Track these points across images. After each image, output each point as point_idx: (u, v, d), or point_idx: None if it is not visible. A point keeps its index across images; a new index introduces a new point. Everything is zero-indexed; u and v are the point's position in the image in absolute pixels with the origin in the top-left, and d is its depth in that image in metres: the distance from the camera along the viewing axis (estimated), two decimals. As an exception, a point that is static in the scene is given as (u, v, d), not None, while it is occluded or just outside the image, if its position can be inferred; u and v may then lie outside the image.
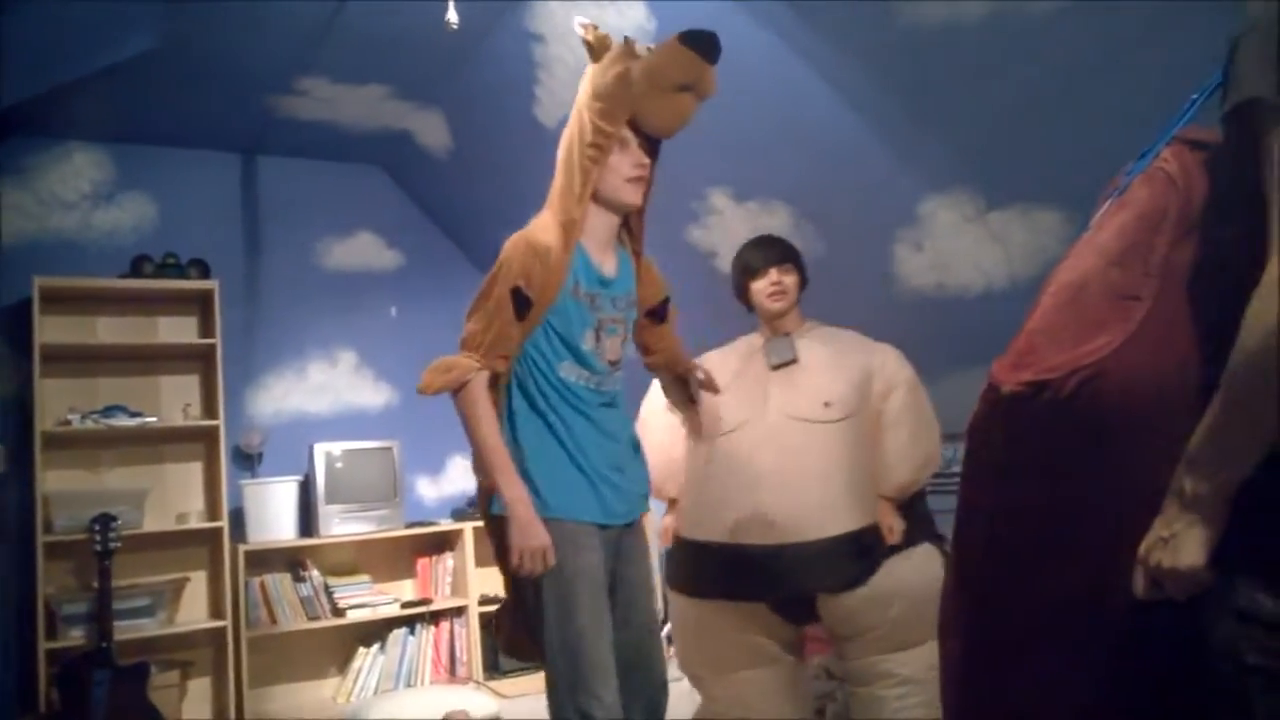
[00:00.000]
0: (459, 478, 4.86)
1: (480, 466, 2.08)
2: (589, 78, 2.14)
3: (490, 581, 4.56)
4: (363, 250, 4.81)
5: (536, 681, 4.36)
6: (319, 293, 4.65)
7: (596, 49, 2.15)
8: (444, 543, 4.54)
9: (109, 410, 3.98)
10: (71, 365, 4.03)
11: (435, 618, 4.38)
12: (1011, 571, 1.30)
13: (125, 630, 3.65)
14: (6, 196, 4.08)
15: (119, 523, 3.58)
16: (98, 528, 3.51)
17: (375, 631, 4.29)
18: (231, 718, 3.88)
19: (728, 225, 3.56)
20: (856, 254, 3.19)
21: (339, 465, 4.25)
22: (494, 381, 2.07)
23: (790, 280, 2.71)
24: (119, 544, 3.56)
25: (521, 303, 2.03)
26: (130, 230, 4.28)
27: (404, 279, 4.87)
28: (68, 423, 3.88)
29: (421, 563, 4.52)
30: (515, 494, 1.98)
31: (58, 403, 3.93)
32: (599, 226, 2.16)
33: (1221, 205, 1.12)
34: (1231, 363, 1.02)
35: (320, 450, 4.24)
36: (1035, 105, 2.49)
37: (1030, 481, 1.27)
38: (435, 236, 4.98)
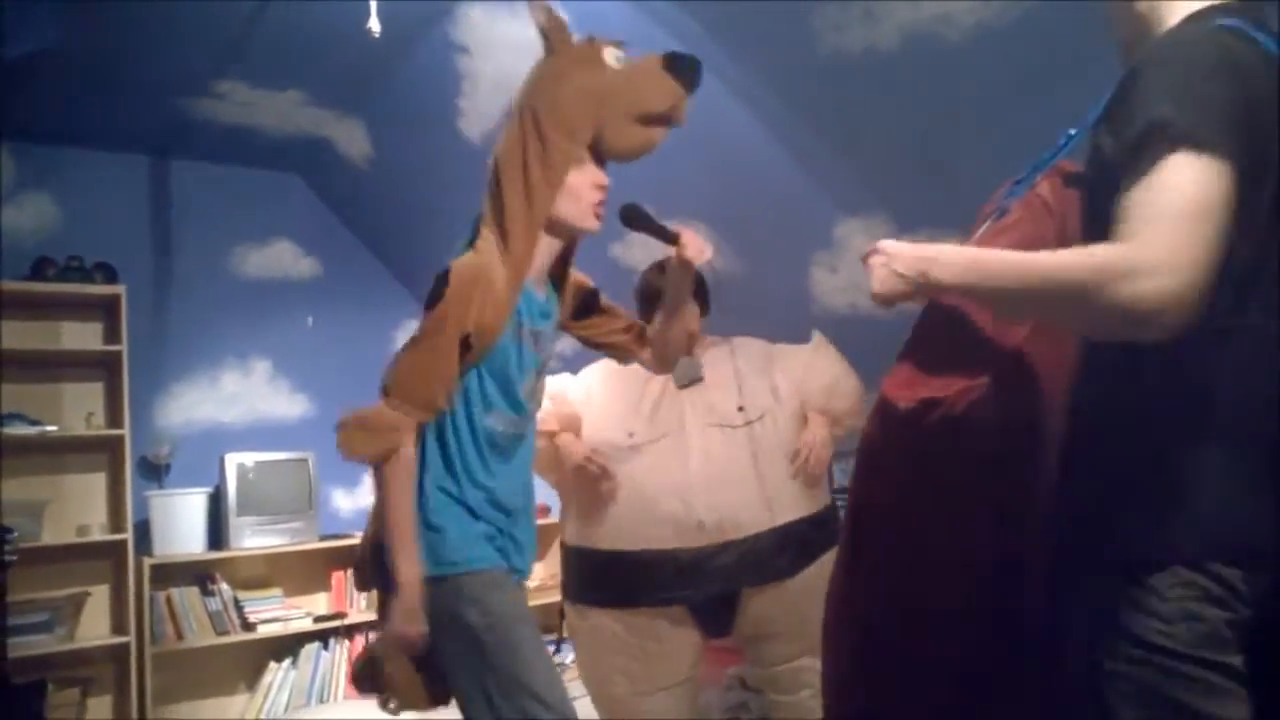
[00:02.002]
0: (376, 489, 4.76)
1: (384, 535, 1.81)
2: (543, 76, 1.86)
3: (406, 594, 4.48)
4: (279, 258, 4.68)
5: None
6: (233, 300, 4.50)
7: (552, 38, 1.86)
8: (359, 555, 4.43)
9: (7, 418, 3.78)
10: (-35, 371, 3.81)
11: (350, 632, 4.28)
12: (892, 575, 1.38)
13: (20, 647, 3.48)
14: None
15: (15, 534, 3.38)
16: (-9, 541, 3.33)
17: (287, 646, 4.17)
18: (133, 738, 3.72)
19: (649, 243, 3.54)
20: (774, 274, 3.24)
21: (252, 476, 4.12)
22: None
23: (693, 311, 2.58)
24: (15, 557, 3.36)
25: (464, 347, 1.77)
26: (31, 231, 4.07)
27: (322, 288, 4.75)
28: (-40, 432, 3.68)
29: (336, 576, 4.41)
30: (411, 573, 1.75)
31: (-50, 411, 3.72)
32: (544, 255, 1.89)
33: (1091, 236, 1.18)
34: (1049, 265, 1.12)
35: (232, 461, 4.11)
36: (947, 132, 2.57)
37: (919, 492, 1.34)
38: (354, 246, 4.88)
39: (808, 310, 3.23)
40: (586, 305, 2.14)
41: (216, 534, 4.10)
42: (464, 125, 3.74)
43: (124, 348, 3.92)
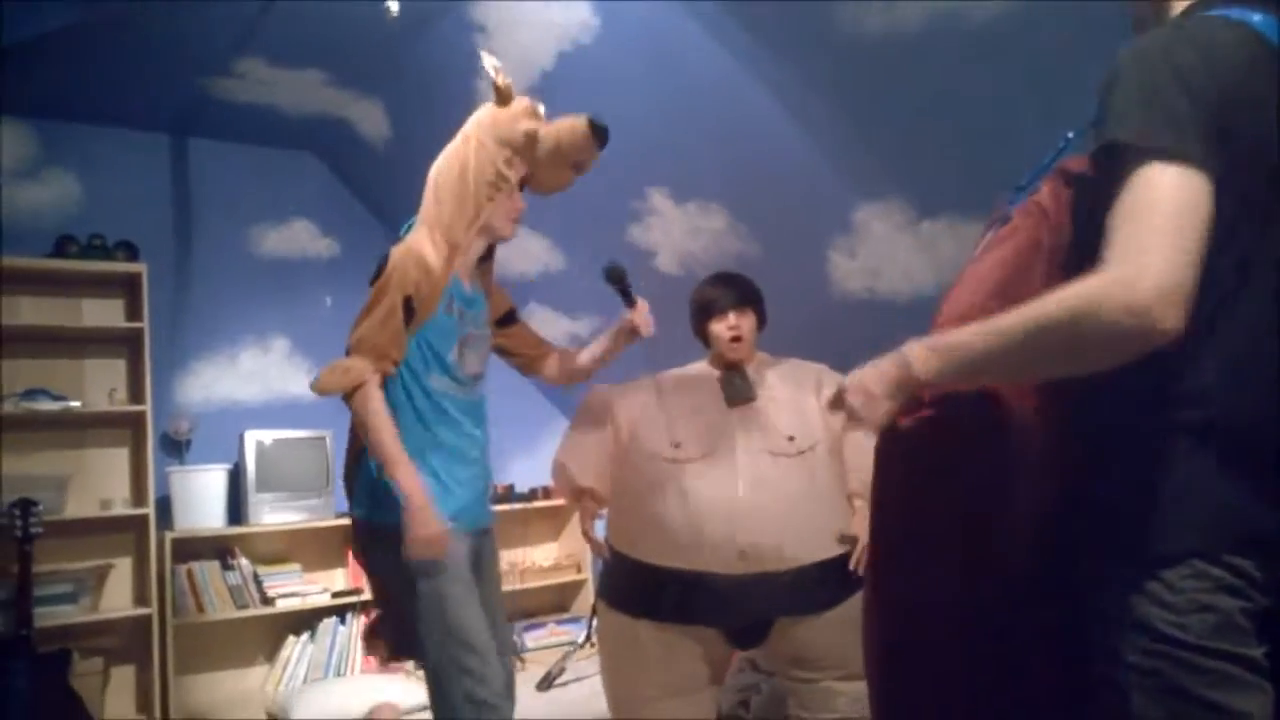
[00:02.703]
0: (393, 467, 4.78)
1: (376, 458, 2.16)
2: (491, 121, 2.33)
3: (422, 570, 4.50)
4: (297, 238, 4.68)
5: (467, 670, 4.32)
6: (252, 279, 4.51)
7: (504, 91, 2.34)
8: (376, 532, 4.46)
9: (31, 393, 3.81)
10: (-10, 347, 3.84)
11: (365, 607, 4.30)
12: (913, 582, 1.36)
13: (46, 617, 3.52)
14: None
15: (40, 508, 3.44)
16: (18, 513, 3.37)
17: (305, 620, 4.20)
18: (156, 706, 3.76)
19: (667, 225, 3.56)
20: (792, 258, 3.22)
21: (270, 453, 4.14)
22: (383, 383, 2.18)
23: (748, 323, 2.63)
24: (40, 529, 3.43)
25: (408, 312, 2.17)
26: (53, 209, 4.08)
27: (339, 268, 4.75)
28: (-14, 406, 3.71)
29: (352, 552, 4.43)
30: (413, 485, 2.08)
31: (-24, 385, 3.75)
32: (474, 251, 2.37)
33: (1084, 238, 1.16)
34: (1025, 316, 1.10)
35: (251, 438, 4.13)
36: (969, 118, 2.54)
37: (927, 502, 1.32)
38: (372, 227, 4.87)
39: (826, 296, 3.21)
40: (507, 317, 2.59)
41: (236, 509, 4.13)
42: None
43: (145, 325, 3.93)
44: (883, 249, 2.98)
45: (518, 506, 4.70)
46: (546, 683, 4.06)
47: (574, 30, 3.14)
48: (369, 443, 2.15)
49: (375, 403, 2.13)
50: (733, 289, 2.65)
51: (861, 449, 2.48)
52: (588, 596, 4.78)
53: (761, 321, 2.68)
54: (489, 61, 2.35)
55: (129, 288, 4.07)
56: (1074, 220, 1.28)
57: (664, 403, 2.62)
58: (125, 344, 4.09)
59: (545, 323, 4.70)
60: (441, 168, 2.35)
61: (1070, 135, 1.34)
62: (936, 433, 1.29)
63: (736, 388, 2.58)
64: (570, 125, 2.29)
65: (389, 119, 4.17)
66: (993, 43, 2.34)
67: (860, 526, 2.46)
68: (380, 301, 2.18)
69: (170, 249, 4.32)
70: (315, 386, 2.19)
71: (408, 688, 3.89)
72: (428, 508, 2.08)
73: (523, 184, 2.36)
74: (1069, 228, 1.29)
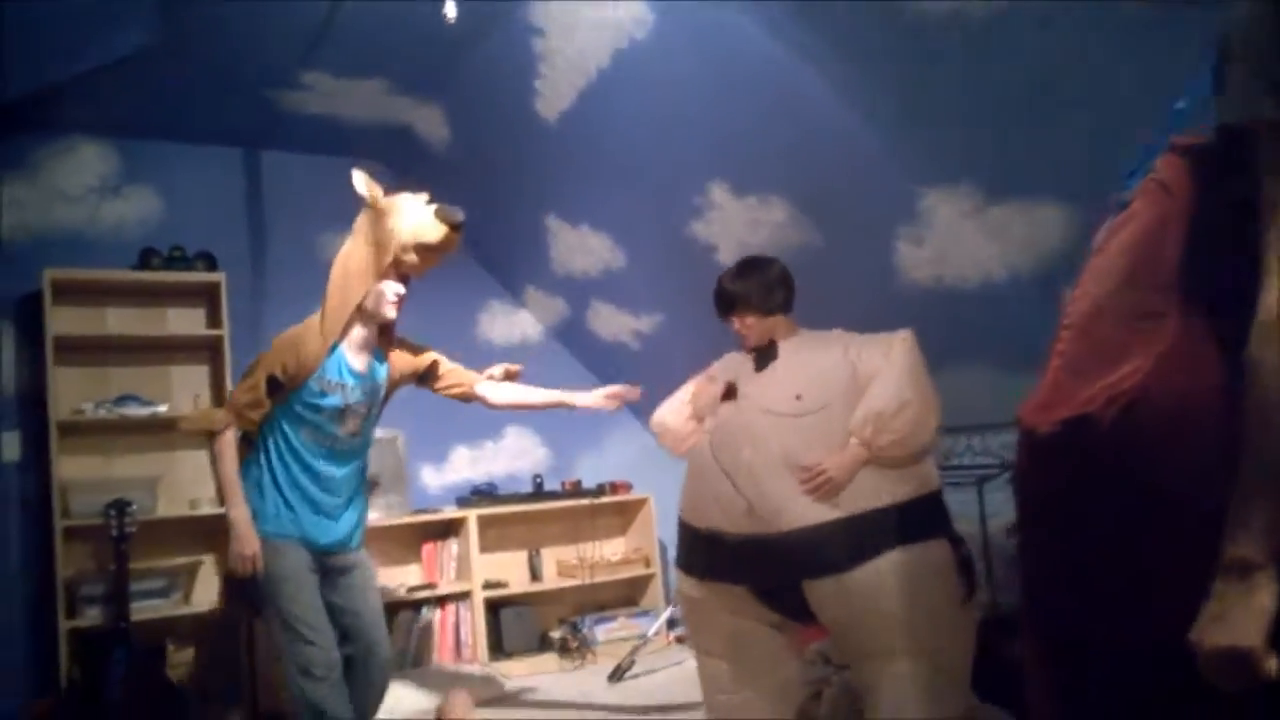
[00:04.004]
0: (463, 467, 4.80)
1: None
2: (363, 222, 2.75)
3: (493, 568, 4.51)
4: (367, 243, 4.71)
5: (541, 663, 4.31)
6: (323, 285, 4.52)
7: (369, 198, 2.73)
8: (448, 529, 4.48)
9: (121, 400, 3.91)
10: (83, 355, 3.94)
11: (441, 602, 4.32)
12: (1081, 619, 1.17)
13: (142, 611, 3.61)
14: (13, 191, 3.98)
15: (134, 508, 3.51)
16: (113, 513, 3.45)
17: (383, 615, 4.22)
18: (246, 696, 3.82)
19: (728, 219, 3.49)
20: (856, 248, 3.12)
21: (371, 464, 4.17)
22: (249, 433, 2.71)
23: (752, 321, 2.68)
24: (134, 529, 3.50)
25: (274, 385, 2.65)
26: (137, 223, 4.18)
27: (407, 271, 4.76)
28: (81, 412, 3.82)
29: (427, 548, 4.45)
30: (237, 514, 2.61)
31: (72, 392, 3.86)
32: (359, 333, 2.75)
33: (1217, 212, 1.05)
34: (1249, 417, 0.94)
35: (327, 439, 4.16)
36: (1037, 99, 2.41)
37: (1086, 524, 1.15)
38: (438, 229, 4.87)
39: (892, 285, 3.10)
40: (431, 373, 3.02)
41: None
42: (541, 107, 3.69)
43: (225, 332, 4.01)
44: (950, 235, 2.86)
45: (585, 502, 4.67)
46: (617, 675, 4.03)
47: (629, 27, 3.08)
48: (218, 477, 2.69)
49: (225, 447, 2.66)
50: (738, 289, 2.70)
51: (870, 395, 2.45)
52: (657, 590, 4.74)
53: (779, 309, 2.69)
54: (357, 177, 2.73)
55: (209, 297, 4.15)
56: (1199, 195, 1.16)
57: (722, 375, 2.73)
58: (207, 350, 4.17)
59: (607, 320, 4.66)
60: (334, 263, 2.77)
61: (1181, 106, 1.22)
62: (1081, 440, 1.12)
63: (760, 357, 2.68)
64: (421, 219, 2.66)
65: (449, 123, 4.17)
66: (1062, 21, 2.21)
67: (836, 462, 2.40)
68: (251, 373, 2.69)
69: (246, 258, 4.39)
70: (182, 424, 2.82)
71: (484, 680, 3.89)
72: (248, 534, 2.59)
73: (397, 269, 2.70)
74: (1195, 203, 1.17)
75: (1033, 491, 1.23)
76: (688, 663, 3.98)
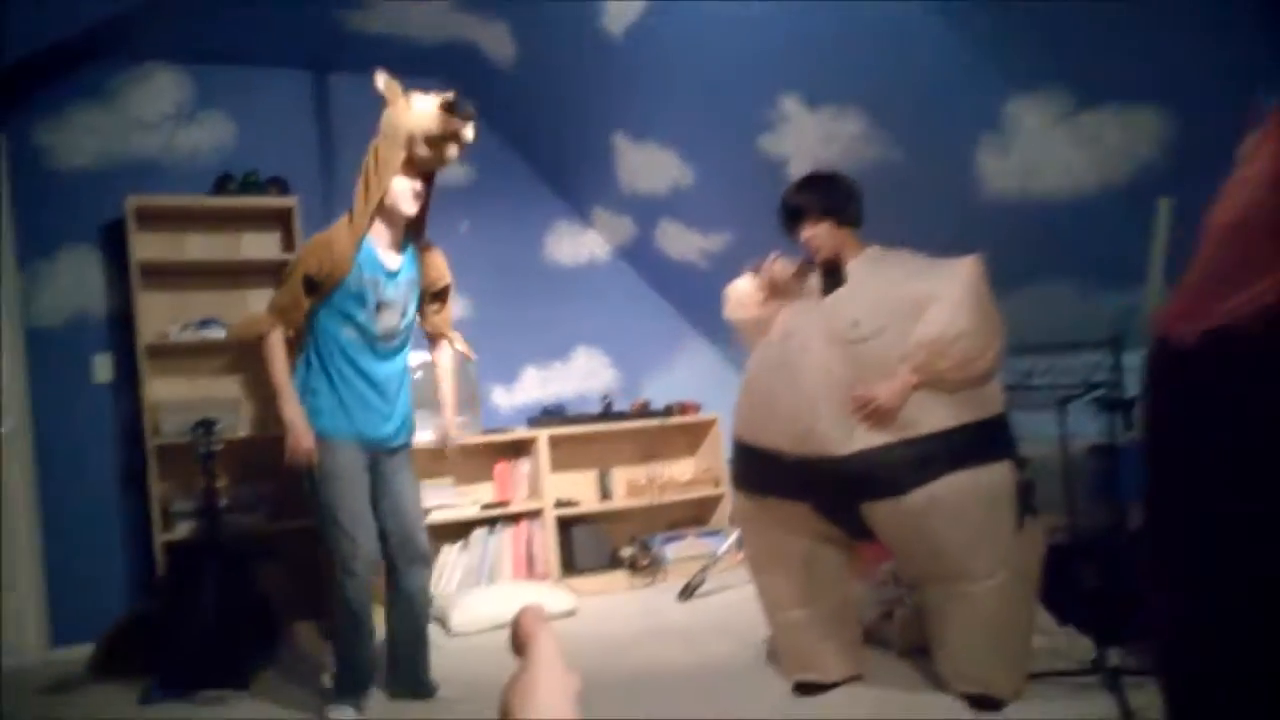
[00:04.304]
0: (533, 387, 4.84)
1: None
2: (383, 120, 2.78)
3: (564, 486, 4.57)
4: (435, 165, 4.69)
5: (611, 581, 4.39)
6: (394, 208, 4.56)
7: (388, 96, 2.77)
8: (520, 449, 4.54)
9: (204, 323, 4.02)
10: (166, 280, 4.05)
11: (514, 519, 4.41)
12: (1212, 541, 1.13)
13: (229, 526, 3.72)
14: (93, 119, 4.05)
15: (219, 427, 3.61)
16: (200, 432, 3.55)
17: (458, 531, 4.34)
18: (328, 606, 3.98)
19: (800, 132, 3.36)
20: (935, 160, 2.98)
21: (419, 375, 4.20)
22: (295, 337, 2.83)
23: (822, 231, 2.60)
24: (220, 447, 3.59)
25: (310, 285, 2.77)
26: (211, 149, 4.23)
27: (475, 193, 4.75)
28: (166, 335, 3.94)
29: (499, 467, 4.53)
30: (290, 413, 2.75)
31: (157, 316, 3.97)
32: (385, 230, 2.84)
33: None
34: None
35: (401, 361, 4.22)
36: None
37: (1225, 435, 1.09)
38: (504, 150, 4.83)
39: (974, 198, 2.96)
40: (438, 296, 3.07)
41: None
42: (607, 22, 3.57)
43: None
44: (1038, 145, 2.70)
45: (654, 423, 4.68)
46: (687, 593, 4.08)
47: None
48: (270, 379, 2.80)
49: (272, 349, 2.77)
50: (803, 200, 2.63)
51: (927, 322, 2.41)
52: (725, 510, 4.75)
53: (847, 221, 2.61)
54: (378, 78, 2.78)
55: (282, 221, 4.20)
56: None
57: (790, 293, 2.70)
58: (281, 275, 4.22)
59: (675, 239, 4.59)
60: (363, 166, 2.83)
61: None
62: (1227, 352, 1.06)
63: (826, 279, 2.62)
64: (427, 112, 2.69)
65: (515, 40, 4.08)
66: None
67: (886, 390, 2.40)
68: (289, 276, 2.81)
69: (317, 182, 4.40)
70: (229, 333, 2.94)
71: (555, 594, 3.98)
72: (302, 430, 2.72)
73: (413, 165, 2.76)
74: None
75: (1165, 405, 1.18)
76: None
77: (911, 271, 2.52)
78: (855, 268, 2.59)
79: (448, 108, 2.68)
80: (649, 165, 4.22)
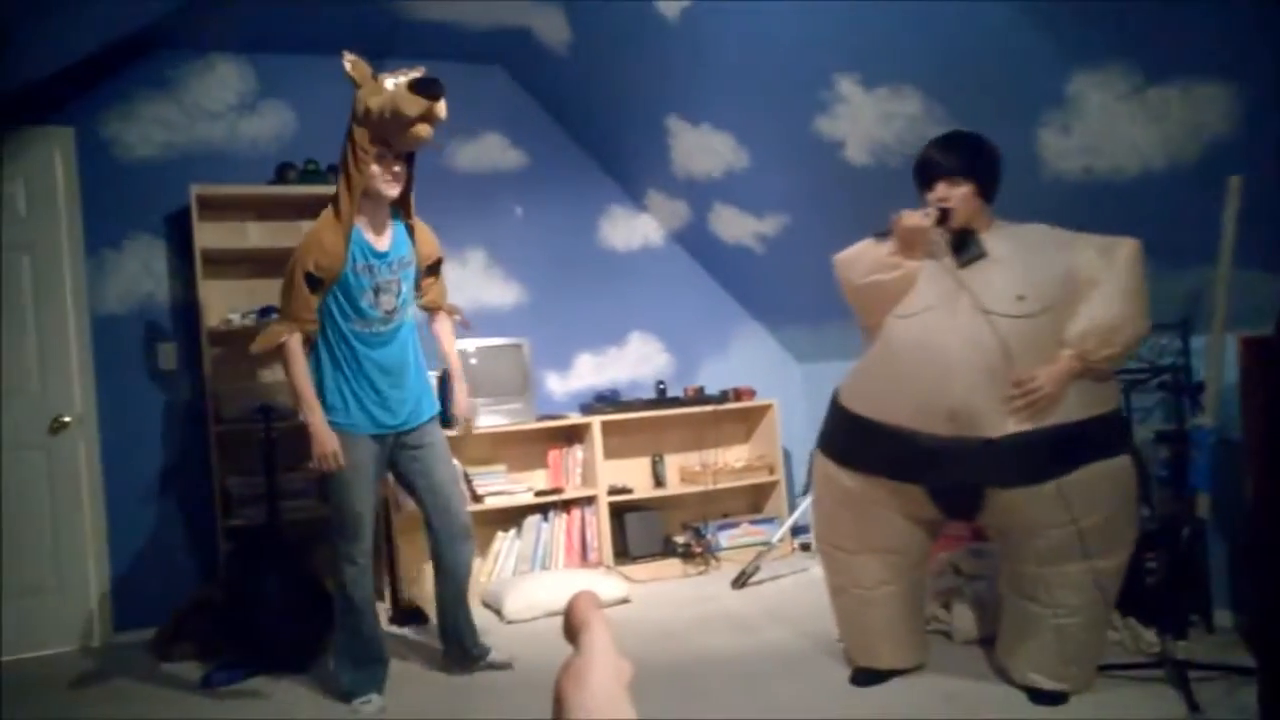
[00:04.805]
0: (586, 373, 4.91)
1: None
2: (355, 103, 2.80)
3: (618, 473, 4.64)
4: (489, 151, 4.79)
5: (664, 568, 4.45)
6: (449, 194, 4.66)
7: (356, 79, 2.80)
8: (574, 435, 4.62)
9: (265, 310, 4.13)
10: (228, 268, 4.20)
11: (567, 506, 4.49)
12: None
13: (290, 511, 3.87)
14: (157, 109, 4.21)
15: (279, 413, 3.74)
16: (262, 418, 3.68)
17: (511, 518, 4.44)
18: (386, 591, 4.12)
19: (856, 114, 3.36)
20: (997, 139, 2.94)
21: (473, 361, 4.33)
22: (309, 338, 2.90)
23: (960, 193, 2.48)
24: (280, 433, 3.72)
25: (313, 282, 2.84)
26: (272, 138, 4.37)
27: (529, 178, 4.83)
28: (229, 322, 4.08)
29: (553, 454, 4.62)
30: (314, 418, 2.86)
31: (219, 304, 4.13)
32: (371, 213, 2.93)
33: None
34: None
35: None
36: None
37: None
38: (558, 135, 4.90)
39: (1036, 178, 2.94)
40: (431, 270, 3.19)
41: (445, 414, 4.36)
42: (662, 5, 3.61)
43: (356, 243, 4.17)
44: (1103, 122, 2.67)
45: (709, 409, 4.72)
46: (741, 580, 4.12)
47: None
48: (291, 384, 2.93)
49: (292, 355, 2.87)
50: (945, 158, 2.52)
51: (1088, 304, 2.35)
52: (780, 497, 4.78)
53: (984, 186, 2.51)
54: (346, 60, 2.80)
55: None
56: None
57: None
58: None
59: (730, 222, 4.61)
60: (341, 152, 2.89)
61: None
62: None
63: (966, 247, 2.48)
64: (400, 90, 2.70)
65: (569, 24, 4.13)
66: None
67: (1049, 374, 2.32)
68: (290, 280, 2.88)
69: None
70: (253, 347, 2.98)
71: (608, 582, 4.05)
72: (327, 434, 2.84)
73: (389, 146, 2.82)
74: None
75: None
76: (812, 569, 4.03)
77: (1062, 245, 2.44)
78: (997, 239, 2.49)
79: (416, 87, 2.69)
80: (703, 148, 4.25)
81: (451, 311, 3.31)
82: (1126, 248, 2.38)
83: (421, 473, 3.05)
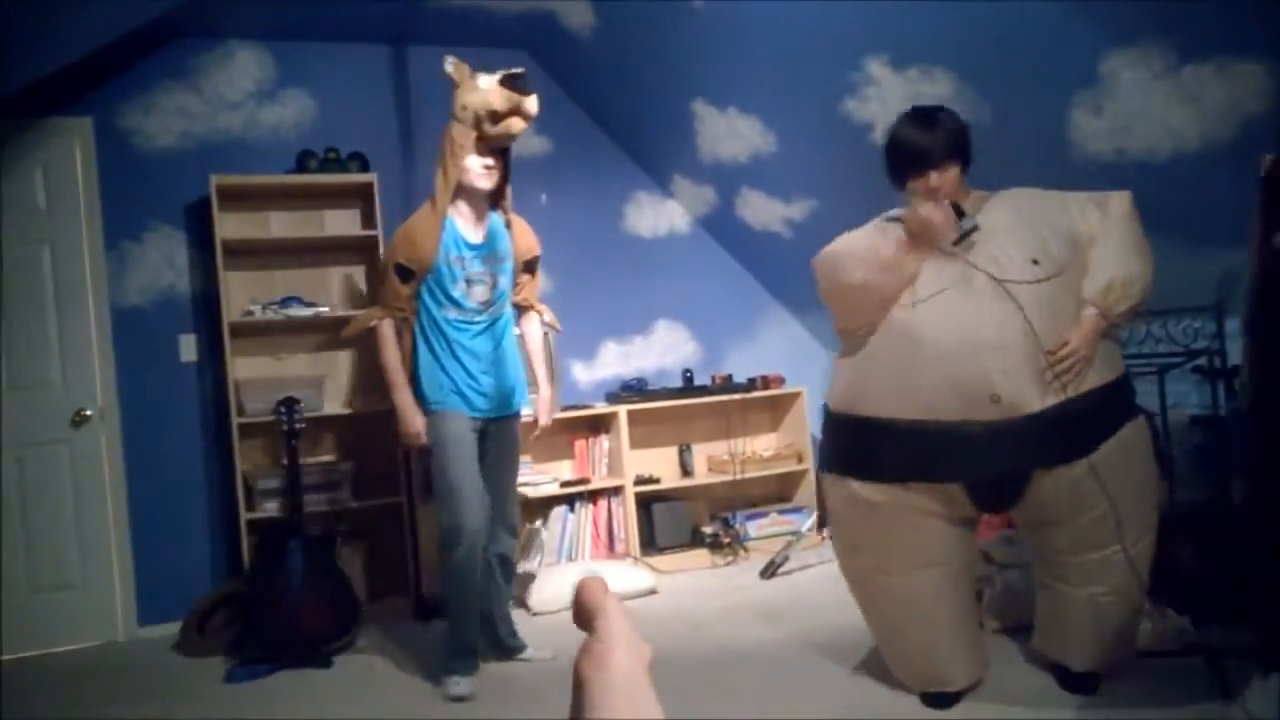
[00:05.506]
0: (612, 362, 4.99)
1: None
2: (454, 101, 3.04)
3: (644, 463, 4.72)
4: (512, 137, 4.85)
5: (692, 558, 4.53)
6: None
7: (456, 78, 3.04)
8: (599, 425, 4.70)
9: (286, 301, 4.24)
10: (249, 259, 4.31)
11: (593, 496, 4.58)
12: None
13: (313, 504, 3.97)
14: (176, 99, 4.31)
15: (302, 406, 3.83)
16: (284, 410, 3.77)
17: (538, 508, 4.53)
18: (411, 583, 4.23)
19: (885, 96, 3.41)
20: (1027, 120, 3.00)
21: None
22: (403, 324, 3.17)
23: (952, 176, 2.47)
24: (303, 425, 3.82)
25: (404, 273, 3.11)
26: (293, 126, 4.46)
27: (553, 165, 4.91)
28: (250, 313, 4.18)
29: (579, 444, 4.71)
30: (401, 400, 3.13)
31: (240, 295, 4.24)
32: (466, 206, 3.15)
33: None
34: None
35: (479, 336, 4.40)
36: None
37: None
38: (582, 121, 4.97)
39: (1066, 160, 2.98)
40: (528, 268, 3.41)
41: (470, 404, 4.45)
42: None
43: (379, 232, 4.27)
44: (1136, 102, 2.71)
45: (736, 397, 4.79)
46: (770, 571, 4.20)
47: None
48: (382, 368, 3.18)
49: (383, 339, 3.16)
50: (933, 145, 2.45)
51: (1101, 259, 2.36)
52: (809, 486, 4.84)
53: (966, 165, 2.50)
54: (447, 62, 3.05)
55: (363, 197, 4.42)
56: None
57: (897, 245, 2.47)
58: (364, 251, 4.46)
59: (757, 208, 4.67)
60: (439, 147, 3.12)
61: None
62: None
63: (955, 228, 2.40)
64: (488, 88, 2.94)
65: (594, 8, 4.20)
66: None
67: (1081, 336, 2.29)
68: (383, 271, 3.22)
69: (397, 157, 4.62)
70: (345, 332, 3.36)
71: (635, 572, 4.14)
72: (410, 416, 3.10)
73: (485, 142, 3.03)
74: None
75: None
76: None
77: (1056, 205, 2.44)
78: (990, 208, 2.46)
79: (507, 82, 2.92)
80: (730, 132, 4.31)
81: (542, 312, 3.50)
82: (1121, 199, 2.41)
83: (491, 464, 3.21)
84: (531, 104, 2.97)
